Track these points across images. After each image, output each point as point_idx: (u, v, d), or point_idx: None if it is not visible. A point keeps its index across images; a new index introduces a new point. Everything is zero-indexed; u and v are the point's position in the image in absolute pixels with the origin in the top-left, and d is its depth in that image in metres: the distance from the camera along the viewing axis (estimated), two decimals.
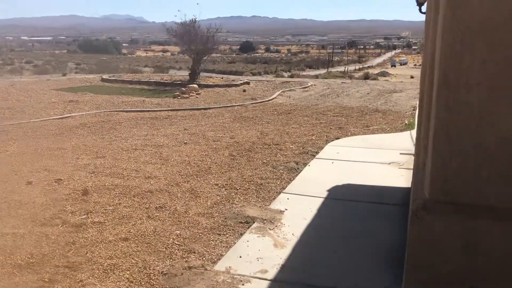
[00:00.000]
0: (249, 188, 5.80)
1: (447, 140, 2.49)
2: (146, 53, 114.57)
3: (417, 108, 7.02)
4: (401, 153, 7.14)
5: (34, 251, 3.97)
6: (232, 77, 22.86)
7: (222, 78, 21.31)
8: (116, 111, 11.74)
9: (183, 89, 15.31)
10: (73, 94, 14.54)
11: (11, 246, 4.05)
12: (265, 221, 4.68)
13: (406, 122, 10.28)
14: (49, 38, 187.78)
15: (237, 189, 5.74)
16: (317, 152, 7.55)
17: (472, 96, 2.41)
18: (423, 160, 3.32)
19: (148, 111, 11.93)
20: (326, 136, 8.93)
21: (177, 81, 18.61)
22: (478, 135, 2.44)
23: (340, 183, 5.89)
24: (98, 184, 5.86)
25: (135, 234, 4.38)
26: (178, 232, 4.45)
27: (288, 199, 5.35)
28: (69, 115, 10.90)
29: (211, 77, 21.59)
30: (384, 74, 48.65)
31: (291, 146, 8.08)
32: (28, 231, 4.37)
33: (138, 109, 12.04)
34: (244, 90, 16.69)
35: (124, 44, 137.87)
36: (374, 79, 29.97)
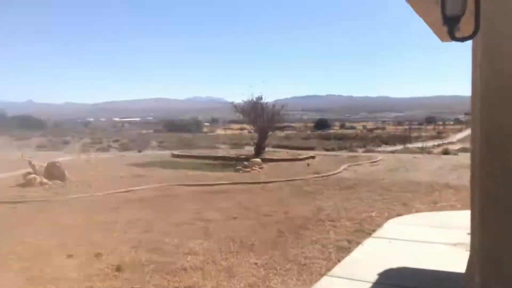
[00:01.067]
0: (290, 268, 5.28)
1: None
2: (225, 131, 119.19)
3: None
4: (469, 233, 6.28)
5: None
6: (299, 151, 22.69)
7: (287, 152, 21.21)
8: (176, 185, 11.86)
9: (246, 163, 15.32)
10: (141, 169, 15.04)
11: None
12: None
13: None
14: (137, 119, 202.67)
15: (277, 269, 5.24)
16: (374, 230, 6.89)
17: None
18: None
19: (208, 185, 11.92)
20: (388, 213, 8.23)
21: (242, 155, 18.75)
22: None
23: (394, 266, 5.19)
24: (135, 259, 5.66)
25: None
26: None
27: (330, 283, 4.76)
28: (131, 189, 11.12)
29: (277, 151, 21.58)
30: (465, 150, 46.03)
31: (346, 223, 7.48)
32: None
33: (198, 183, 12.09)
34: (309, 164, 16.37)
35: (205, 123, 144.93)
36: (455, 154, 28.41)
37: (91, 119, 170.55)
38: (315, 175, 13.53)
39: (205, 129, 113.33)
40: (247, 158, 17.30)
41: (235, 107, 20.32)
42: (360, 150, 26.75)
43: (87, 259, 5.71)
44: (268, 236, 6.70)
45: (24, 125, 74.72)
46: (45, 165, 12.00)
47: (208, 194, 10.67)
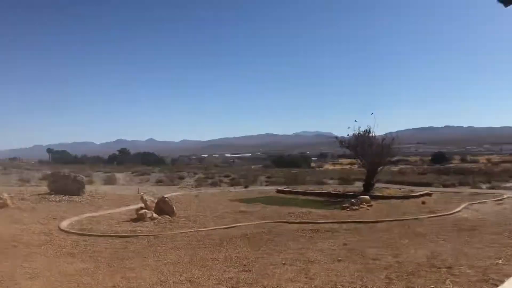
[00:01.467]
0: None
1: None
2: (334, 166, 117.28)
3: None
4: None
5: None
6: (413, 188, 21.18)
7: (400, 189, 19.89)
8: (279, 222, 11.61)
9: (353, 200, 14.60)
10: (245, 205, 15.09)
11: None
12: None
13: None
14: (247, 154, 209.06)
15: None
16: (501, 281, 5.91)
17: None
18: None
19: (311, 222, 11.49)
20: None
21: (350, 192, 17.98)
22: None
23: None
24: None
25: None
26: None
27: None
28: (234, 225, 11.11)
29: (387, 188, 20.35)
30: None
31: (467, 271, 6.54)
32: None
33: (301, 221, 11.71)
34: (423, 202, 15.12)
35: (313, 158, 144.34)
36: None
37: (205, 155, 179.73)
38: (431, 215, 12.39)
39: (313, 164, 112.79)
40: (354, 195, 16.54)
41: (340, 142, 19.72)
42: (484, 186, 24.25)
43: None
44: (375, 283, 6.06)
45: (145, 161, 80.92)
46: (155, 200, 12.56)
47: (312, 232, 10.22)
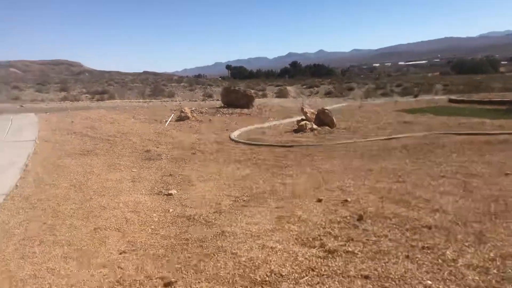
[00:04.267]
0: None
1: None
2: None
3: None
4: None
5: (275, 269, 4.04)
6: None
7: None
8: (445, 133, 10.87)
9: None
10: (410, 116, 14.41)
11: (261, 260, 4.25)
12: None
13: None
14: (423, 61, 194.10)
15: None
16: None
17: None
18: None
19: (483, 134, 10.49)
20: None
21: None
22: None
23: None
24: (379, 211, 5.49)
25: (378, 274, 3.84)
26: (430, 283, 3.62)
27: None
28: (394, 136, 10.81)
29: None
30: None
31: None
32: (283, 248, 4.50)
33: (471, 132, 10.77)
34: None
35: (502, 62, 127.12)
36: None
37: (377, 64, 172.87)
38: None
39: (502, 69, 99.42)
40: None
41: None
42: None
43: (334, 205, 5.87)
44: None
45: (315, 73, 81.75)
46: (316, 112, 12.83)
47: (481, 144, 9.39)
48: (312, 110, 13.13)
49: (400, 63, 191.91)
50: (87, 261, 4.54)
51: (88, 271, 4.31)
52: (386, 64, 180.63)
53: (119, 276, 4.17)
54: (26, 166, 8.44)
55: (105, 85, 45.68)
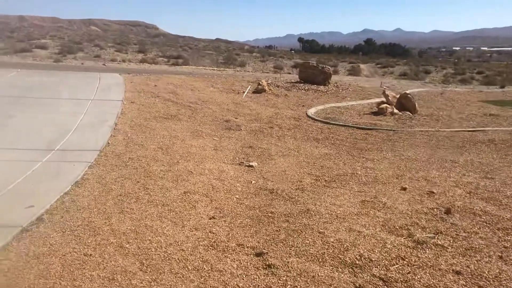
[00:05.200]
0: None
1: None
2: None
3: None
4: None
5: (364, 253, 4.11)
6: None
7: None
8: None
9: None
10: (498, 108, 13.65)
11: (349, 242, 4.33)
12: None
13: None
14: (509, 48, 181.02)
15: None
16: None
17: None
18: None
19: None
20: None
21: None
22: None
23: None
24: (467, 206, 5.36)
25: (471, 272, 3.80)
26: None
27: None
28: (480, 129, 10.34)
29: None
30: None
31: None
32: (371, 233, 4.55)
33: None
34: None
35: None
36: None
37: (457, 48, 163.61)
38: None
39: None
40: None
41: None
42: None
43: (419, 195, 5.80)
44: None
45: (390, 53, 78.88)
46: (397, 96, 12.49)
47: None
48: (393, 94, 12.79)
49: (482, 48, 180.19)
50: (181, 223, 4.83)
51: (183, 232, 4.59)
52: (467, 48, 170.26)
53: (212, 241, 4.42)
54: (115, 125, 8.95)
55: (180, 50, 46.74)
